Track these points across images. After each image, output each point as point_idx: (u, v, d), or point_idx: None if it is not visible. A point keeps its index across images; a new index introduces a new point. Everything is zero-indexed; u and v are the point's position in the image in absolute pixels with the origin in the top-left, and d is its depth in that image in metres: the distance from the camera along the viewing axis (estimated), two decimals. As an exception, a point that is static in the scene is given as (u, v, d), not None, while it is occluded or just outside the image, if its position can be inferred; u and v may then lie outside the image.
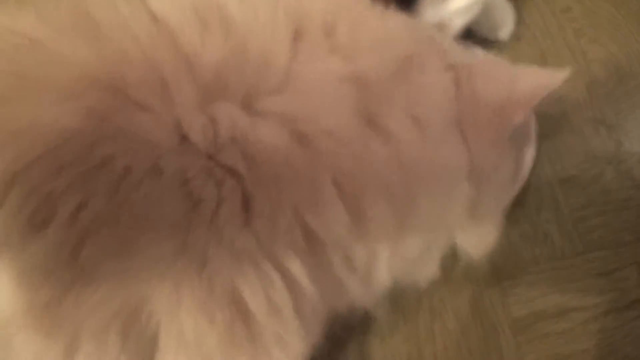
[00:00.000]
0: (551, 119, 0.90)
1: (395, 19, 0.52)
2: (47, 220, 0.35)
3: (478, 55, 0.72)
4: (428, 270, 0.56)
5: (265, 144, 0.38)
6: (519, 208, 0.84)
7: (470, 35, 0.85)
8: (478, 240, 0.60)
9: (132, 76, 0.37)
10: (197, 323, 0.37)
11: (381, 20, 0.50)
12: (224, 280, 0.37)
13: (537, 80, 0.54)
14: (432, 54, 0.52)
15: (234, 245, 0.37)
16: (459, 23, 0.72)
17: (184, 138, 0.37)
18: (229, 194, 0.37)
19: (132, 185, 0.35)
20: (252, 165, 0.38)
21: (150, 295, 0.36)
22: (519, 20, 0.97)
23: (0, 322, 0.36)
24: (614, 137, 0.88)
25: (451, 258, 0.77)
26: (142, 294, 0.36)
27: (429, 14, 0.68)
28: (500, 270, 0.81)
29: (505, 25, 0.94)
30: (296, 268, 0.39)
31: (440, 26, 0.69)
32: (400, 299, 0.78)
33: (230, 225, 0.37)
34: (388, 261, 0.47)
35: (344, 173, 0.40)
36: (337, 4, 0.48)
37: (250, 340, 0.38)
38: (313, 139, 0.40)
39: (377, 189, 0.42)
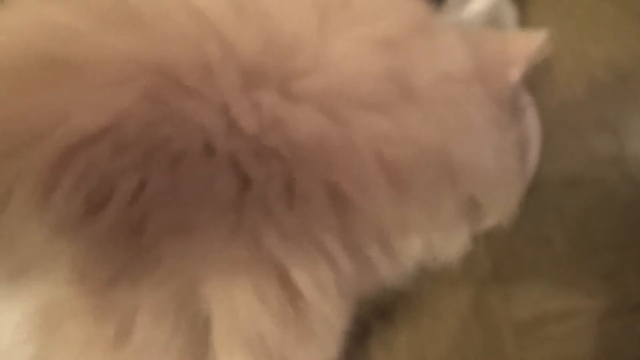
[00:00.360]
0: (553, 121, 0.90)
1: None
2: (105, 201, 0.35)
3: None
4: (459, 242, 0.56)
5: (304, 126, 0.39)
6: (521, 210, 0.84)
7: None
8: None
9: (181, 62, 0.38)
10: (251, 302, 0.37)
11: None
12: (275, 260, 0.38)
13: (524, 40, 0.57)
14: (438, 17, 0.55)
15: (282, 225, 0.38)
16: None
17: (231, 122, 0.38)
18: (275, 175, 0.38)
19: (189, 166, 0.36)
20: (293, 148, 0.39)
21: (206, 275, 0.36)
22: (521, 21, 0.97)
23: (53, 307, 0.36)
24: (617, 139, 0.88)
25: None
26: (198, 274, 0.36)
27: (452, 13, 0.71)
28: (502, 272, 0.81)
29: (507, 26, 0.94)
30: (335, 248, 0.40)
31: None
32: (401, 302, 0.78)
33: (278, 206, 0.38)
34: (423, 235, 0.49)
35: (383, 141, 0.41)
36: None
37: (299, 320, 0.39)
38: (348, 113, 0.41)
39: (416, 154, 0.43)
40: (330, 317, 0.41)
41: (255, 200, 0.38)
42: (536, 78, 0.92)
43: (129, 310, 0.36)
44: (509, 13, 0.95)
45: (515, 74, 0.57)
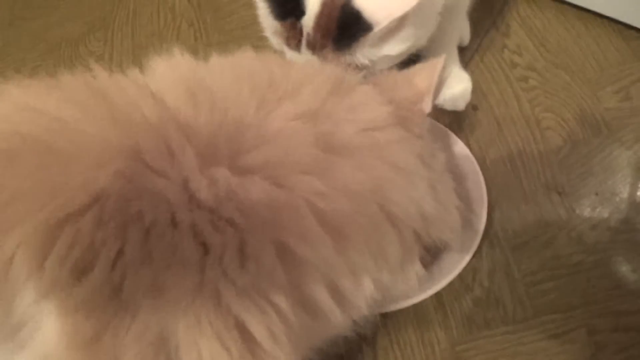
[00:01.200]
0: (505, 185, 0.95)
1: (301, 65, 0.63)
2: (91, 265, 0.40)
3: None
4: (411, 274, 0.63)
5: (253, 194, 0.46)
6: (471, 273, 0.88)
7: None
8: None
9: (146, 146, 0.45)
10: (215, 352, 0.43)
11: (295, 65, 0.62)
12: (234, 314, 0.44)
13: (425, 71, 0.66)
14: (350, 76, 0.62)
15: (237, 284, 0.44)
16: (381, 67, 0.76)
17: (191, 196, 0.45)
18: (229, 241, 0.44)
19: (158, 236, 0.42)
20: (245, 215, 0.45)
21: (176, 328, 0.42)
22: (476, 89, 1.02)
23: (45, 358, 0.42)
24: (566, 204, 0.92)
25: (405, 324, 0.82)
26: (170, 327, 0.42)
27: (362, 54, 0.72)
28: (453, 334, 0.84)
29: (462, 95, 0.99)
30: (283, 301, 0.46)
31: (364, 66, 0.74)
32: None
33: (232, 267, 0.44)
34: (373, 276, 0.54)
35: (318, 197, 0.48)
36: (265, 64, 0.59)
37: None
38: (288, 178, 0.48)
39: (350, 202, 0.50)
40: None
41: (214, 263, 0.44)
42: (487, 143, 0.97)
43: (114, 358, 0.41)
44: (464, 82, 1.00)
45: (427, 104, 0.65)
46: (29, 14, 1.47)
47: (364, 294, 0.54)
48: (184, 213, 0.44)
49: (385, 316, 0.84)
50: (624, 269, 0.86)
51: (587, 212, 0.91)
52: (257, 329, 0.45)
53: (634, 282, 0.85)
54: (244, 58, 0.60)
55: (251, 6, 1.25)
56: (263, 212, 0.46)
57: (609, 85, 1.03)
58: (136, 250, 0.41)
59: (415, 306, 0.80)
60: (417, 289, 0.72)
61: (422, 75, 0.67)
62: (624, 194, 0.92)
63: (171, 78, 0.53)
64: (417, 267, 0.63)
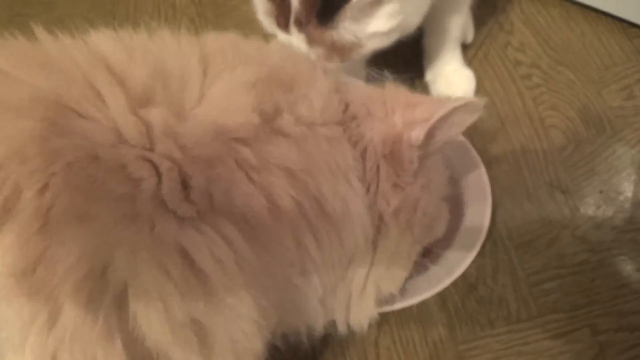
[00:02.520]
0: (509, 184, 0.94)
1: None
2: (17, 201, 0.42)
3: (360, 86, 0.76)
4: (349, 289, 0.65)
5: (194, 136, 0.48)
6: (475, 272, 0.88)
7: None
8: (389, 280, 0.68)
9: (73, 91, 0.47)
10: (156, 278, 0.44)
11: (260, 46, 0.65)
12: (172, 241, 0.45)
13: (432, 106, 0.62)
14: (318, 75, 0.63)
15: (177, 213, 0.46)
16: (371, 46, 0.74)
17: (119, 135, 0.47)
18: (166, 173, 0.46)
19: (79, 169, 0.44)
20: (185, 151, 0.48)
21: (113, 256, 0.43)
22: (479, 87, 1.02)
23: None
24: (570, 203, 0.92)
25: (408, 323, 0.81)
26: (106, 255, 0.43)
27: (346, 29, 0.71)
28: (457, 334, 0.84)
29: (465, 93, 0.99)
30: (232, 231, 0.48)
31: (353, 45, 0.72)
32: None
33: (172, 198, 0.46)
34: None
35: (249, 162, 0.51)
36: (225, 42, 0.61)
37: (206, 292, 0.47)
38: (227, 135, 0.50)
39: (285, 176, 0.52)
40: (234, 289, 0.49)
41: (148, 194, 0.45)
42: (490, 141, 0.97)
43: (52, 290, 0.42)
44: (467, 80, 0.99)
45: (418, 135, 0.61)
46: (29, 10, 1.46)
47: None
48: (105, 149, 0.45)
49: (388, 315, 0.83)
50: (629, 268, 0.86)
51: (591, 210, 0.91)
52: (199, 255, 0.46)
53: (638, 281, 0.85)
54: (208, 38, 0.62)
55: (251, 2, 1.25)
56: (205, 152, 0.49)
57: (613, 83, 1.02)
58: (59, 182, 0.43)
59: (419, 305, 0.80)
60: (423, 287, 0.73)
61: (425, 107, 0.63)
62: (628, 192, 0.92)
63: (110, 38, 0.56)
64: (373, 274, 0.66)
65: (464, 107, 0.60)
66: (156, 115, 0.48)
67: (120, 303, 0.44)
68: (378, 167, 0.62)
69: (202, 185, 0.48)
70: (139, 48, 0.54)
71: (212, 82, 0.53)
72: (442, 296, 0.85)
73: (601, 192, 0.92)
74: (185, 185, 0.47)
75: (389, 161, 0.62)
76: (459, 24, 0.97)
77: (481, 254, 0.84)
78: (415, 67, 1.06)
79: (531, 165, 0.96)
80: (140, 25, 0.58)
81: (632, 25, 1.07)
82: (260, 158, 0.51)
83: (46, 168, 0.43)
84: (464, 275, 0.82)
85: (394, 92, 0.66)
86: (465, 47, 1.07)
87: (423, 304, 0.83)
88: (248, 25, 1.26)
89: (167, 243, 0.46)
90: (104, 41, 0.54)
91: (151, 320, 0.44)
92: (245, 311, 0.49)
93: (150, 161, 0.47)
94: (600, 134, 0.97)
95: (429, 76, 1.03)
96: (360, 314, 0.68)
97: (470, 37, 1.08)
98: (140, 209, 0.45)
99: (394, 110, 0.63)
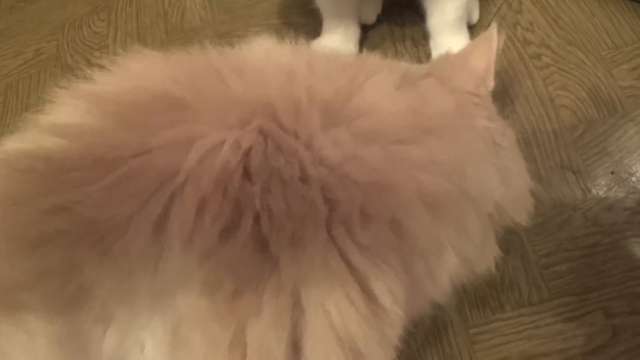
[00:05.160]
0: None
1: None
2: (237, 224, 0.41)
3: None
4: (489, 254, 0.65)
5: (371, 158, 0.47)
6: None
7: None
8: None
9: (279, 105, 0.47)
10: (342, 305, 0.42)
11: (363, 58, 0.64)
12: (357, 271, 0.44)
13: (483, 51, 0.67)
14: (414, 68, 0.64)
15: (360, 242, 0.44)
16: None
17: (316, 154, 0.46)
18: (354, 198, 0.45)
19: (294, 190, 0.43)
20: (366, 174, 0.46)
21: (308, 284, 0.42)
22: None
23: (183, 322, 0.41)
24: (581, 184, 0.90)
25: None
26: (303, 283, 0.42)
27: None
28: (467, 317, 0.83)
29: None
30: (397, 262, 0.46)
31: None
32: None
33: (356, 225, 0.44)
34: (458, 249, 0.55)
35: (419, 169, 0.49)
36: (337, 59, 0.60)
37: (377, 323, 0.45)
38: (391, 147, 0.49)
39: (443, 178, 0.50)
40: (398, 321, 0.47)
41: (340, 220, 0.44)
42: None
43: (249, 316, 0.41)
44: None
45: (490, 84, 0.66)
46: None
47: (448, 268, 0.55)
48: (312, 169, 0.44)
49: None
50: (641, 250, 0.84)
51: (602, 192, 0.89)
52: (378, 287, 0.44)
53: (651, 263, 0.82)
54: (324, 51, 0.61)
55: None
56: (378, 176, 0.47)
57: (624, 63, 1.00)
58: (280, 204, 0.42)
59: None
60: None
61: (477, 54, 0.67)
62: (641, 173, 0.90)
63: (284, 50, 0.56)
64: (494, 247, 0.65)
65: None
66: (342, 134, 0.47)
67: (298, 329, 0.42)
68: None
69: (378, 212, 0.46)
70: (312, 61, 0.54)
71: (359, 90, 0.52)
72: (451, 279, 0.84)
73: (613, 173, 0.90)
74: (363, 211, 0.45)
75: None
76: (456, 6, 0.96)
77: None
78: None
79: (542, 146, 0.94)
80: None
81: (643, 4, 1.05)
82: (427, 158, 0.50)
83: (267, 189, 0.42)
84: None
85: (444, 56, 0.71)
86: (473, 27, 1.05)
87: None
88: (253, 7, 1.26)
89: (354, 272, 0.44)
90: (283, 54, 0.55)
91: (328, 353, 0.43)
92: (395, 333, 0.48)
93: (342, 184, 0.45)
94: (612, 114, 0.95)
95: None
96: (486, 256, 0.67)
97: (475, 18, 1.06)
98: (335, 235, 0.44)
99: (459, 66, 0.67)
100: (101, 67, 0.49)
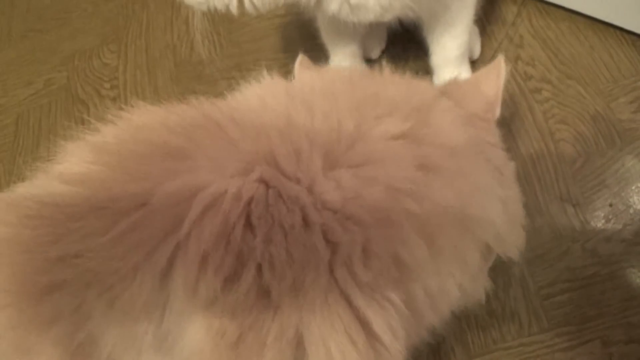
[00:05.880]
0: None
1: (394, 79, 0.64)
2: (239, 272, 0.42)
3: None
4: (482, 285, 0.66)
5: (374, 196, 0.48)
6: (488, 286, 0.88)
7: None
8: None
9: (279, 152, 0.48)
10: (344, 345, 0.44)
11: (384, 81, 0.63)
12: (358, 310, 0.45)
13: (492, 78, 0.70)
14: (431, 88, 0.65)
15: (361, 281, 0.45)
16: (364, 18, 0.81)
17: (318, 197, 0.47)
18: (356, 238, 0.46)
19: (295, 237, 0.44)
20: (369, 213, 0.47)
21: (310, 326, 0.43)
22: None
23: None
24: (580, 216, 0.93)
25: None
26: (305, 325, 0.43)
27: None
28: (469, 347, 0.85)
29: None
30: (397, 298, 0.48)
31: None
32: None
33: (358, 265, 0.45)
34: (458, 280, 0.56)
35: (413, 211, 0.50)
36: (355, 82, 0.61)
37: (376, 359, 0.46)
38: (392, 194, 0.49)
39: (441, 216, 0.52)
40: (399, 357, 0.48)
41: (342, 262, 0.45)
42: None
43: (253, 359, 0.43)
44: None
45: (497, 111, 0.69)
46: (42, 26, 1.49)
47: (449, 298, 0.56)
48: (314, 214, 0.45)
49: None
50: (638, 280, 0.87)
51: (601, 224, 0.92)
52: (379, 324, 0.46)
53: (649, 293, 0.85)
54: (333, 76, 0.63)
55: (263, 18, 1.28)
56: (380, 214, 0.48)
57: (622, 96, 1.03)
58: (281, 253, 0.43)
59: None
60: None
61: (487, 81, 0.70)
62: (638, 205, 0.93)
63: (278, 94, 0.56)
64: (485, 280, 0.67)
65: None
66: (343, 176, 0.48)
67: None
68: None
69: (380, 251, 0.47)
70: (311, 101, 0.55)
71: (365, 137, 0.52)
72: (452, 311, 0.86)
73: (611, 205, 0.93)
74: (365, 250, 0.46)
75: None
76: (458, 43, 0.99)
77: (492, 267, 0.85)
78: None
79: (542, 178, 0.97)
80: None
81: (641, 37, 1.08)
82: (422, 205, 0.51)
83: (269, 238, 0.44)
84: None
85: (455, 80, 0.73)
86: (475, 62, 1.08)
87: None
88: (260, 41, 1.29)
89: (355, 312, 0.45)
90: (278, 97, 0.55)
91: None
92: None
93: (344, 226, 0.46)
94: (610, 147, 0.98)
95: (439, 91, 1.04)
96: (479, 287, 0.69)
97: (476, 53, 1.09)
98: (337, 276, 0.45)
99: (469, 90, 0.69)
100: (107, 120, 0.51)
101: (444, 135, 0.57)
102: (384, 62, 0.64)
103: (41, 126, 1.32)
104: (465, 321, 0.86)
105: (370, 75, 0.64)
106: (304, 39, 1.20)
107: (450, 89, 0.69)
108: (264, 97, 0.56)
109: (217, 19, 1.34)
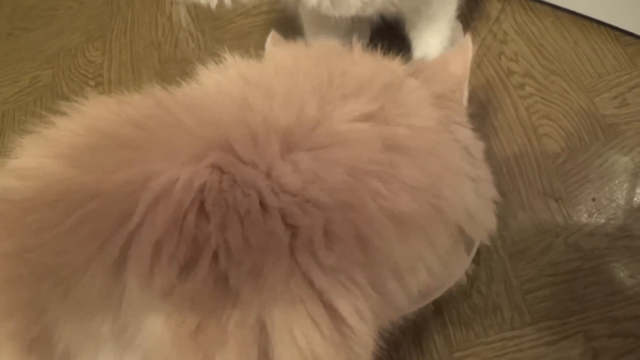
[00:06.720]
0: (502, 195, 0.95)
1: (364, 57, 0.64)
2: (195, 260, 0.42)
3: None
4: (460, 269, 0.66)
5: (334, 178, 0.47)
6: (469, 281, 0.89)
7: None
8: None
9: (235, 137, 0.47)
10: (308, 330, 0.43)
11: (351, 59, 0.63)
12: (322, 294, 0.45)
13: (459, 57, 0.70)
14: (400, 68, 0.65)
15: (324, 264, 0.45)
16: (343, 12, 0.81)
17: (276, 181, 0.46)
18: (316, 221, 0.45)
19: (252, 222, 0.44)
20: (329, 195, 0.47)
21: (272, 311, 0.43)
22: (473, 98, 1.03)
23: (151, 355, 0.43)
24: (563, 211, 0.93)
25: (403, 331, 0.82)
26: (267, 311, 0.43)
27: None
28: (451, 341, 0.85)
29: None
30: (363, 279, 0.47)
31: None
32: None
33: (320, 248, 0.45)
34: (427, 262, 0.56)
35: (379, 193, 0.49)
36: (322, 61, 0.60)
37: (345, 343, 0.46)
38: (359, 176, 0.49)
39: (410, 196, 0.51)
40: (367, 339, 0.48)
41: (303, 245, 0.45)
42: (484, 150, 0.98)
43: (216, 347, 0.42)
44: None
45: (465, 91, 0.69)
46: (28, 24, 1.48)
47: (418, 280, 0.56)
48: (271, 198, 0.45)
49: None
50: (621, 275, 0.87)
51: (584, 218, 0.92)
52: (344, 307, 0.45)
53: (631, 287, 0.86)
54: (301, 53, 0.63)
55: (248, 15, 1.27)
56: (342, 196, 0.47)
57: (606, 91, 1.03)
58: (237, 239, 0.42)
59: (413, 313, 0.81)
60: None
61: (455, 61, 0.70)
62: (621, 200, 0.92)
63: (237, 77, 0.55)
64: (463, 258, 0.67)
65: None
66: (302, 158, 0.48)
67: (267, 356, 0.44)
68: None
69: (342, 232, 0.47)
70: (271, 86, 0.54)
71: (328, 119, 0.52)
72: (436, 304, 0.86)
73: (594, 199, 0.93)
74: (327, 233, 0.46)
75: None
76: (440, 39, 0.99)
77: (475, 262, 0.85)
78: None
79: (525, 173, 0.97)
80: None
81: (625, 33, 1.08)
82: (389, 186, 0.50)
83: (224, 224, 0.43)
84: (458, 284, 0.82)
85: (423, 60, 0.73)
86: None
87: (417, 312, 0.84)
88: (244, 38, 1.29)
89: (318, 295, 0.45)
90: (232, 82, 0.55)
91: None
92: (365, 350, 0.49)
93: (304, 209, 0.46)
94: (593, 142, 0.98)
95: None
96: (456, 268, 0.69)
97: (459, 47, 1.09)
98: (298, 260, 0.45)
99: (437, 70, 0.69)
100: (61, 113, 0.51)
101: (413, 116, 0.57)
102: (354, 40, 0.63)
103: (27, 124, 1.30)
104: (447, 315, 0.86)
105: (339, 53, 0.64)
106: (288, 35, 1.20)
107: (419, 69, 0.69)
108: (220, 82, 0.56)
109: (202, 17, 1.35)
